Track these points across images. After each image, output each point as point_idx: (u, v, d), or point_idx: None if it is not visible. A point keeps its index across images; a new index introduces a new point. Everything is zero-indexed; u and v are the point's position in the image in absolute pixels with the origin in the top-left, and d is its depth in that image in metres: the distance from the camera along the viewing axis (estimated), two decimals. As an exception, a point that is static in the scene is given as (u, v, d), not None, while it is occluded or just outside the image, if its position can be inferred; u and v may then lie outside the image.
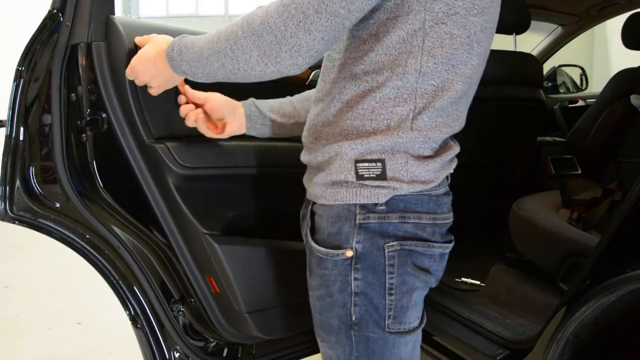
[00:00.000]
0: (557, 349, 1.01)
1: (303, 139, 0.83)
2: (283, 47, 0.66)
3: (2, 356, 2.09)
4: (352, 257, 0.75)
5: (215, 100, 0.96)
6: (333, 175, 0.74)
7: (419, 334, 0.83)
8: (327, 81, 0.78)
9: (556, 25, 2.49)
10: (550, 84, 2.98)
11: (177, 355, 1.18)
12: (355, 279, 0.75)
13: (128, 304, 1.14)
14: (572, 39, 2.53)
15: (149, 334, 1.15)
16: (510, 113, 1.86)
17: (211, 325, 1.22)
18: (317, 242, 0.78)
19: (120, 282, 1.13)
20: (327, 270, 0.77)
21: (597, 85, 3.49)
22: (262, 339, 1.24)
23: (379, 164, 0.71)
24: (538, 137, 2.10)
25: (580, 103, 2.88)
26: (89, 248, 1.11)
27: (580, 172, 2.09)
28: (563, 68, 3.05)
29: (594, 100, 2.19)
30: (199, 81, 0.79)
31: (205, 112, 0.97)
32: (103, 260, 1.12)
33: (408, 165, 0.72)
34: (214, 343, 1.24)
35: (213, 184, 1.12)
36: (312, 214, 0.80)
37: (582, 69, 3.13)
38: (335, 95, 0.75)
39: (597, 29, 5.35)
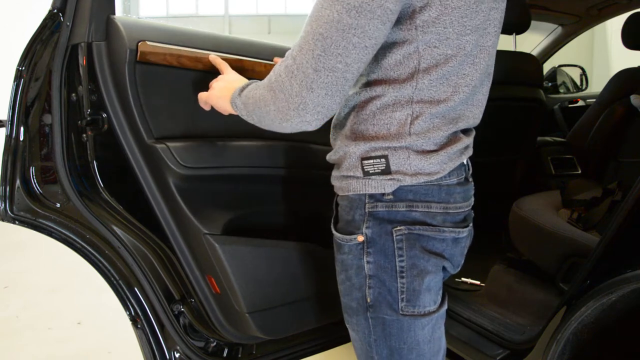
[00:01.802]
0: (557, 349, 1.02)
1: (330, 140, 0.89)
2: (291, 105, 0.70)
3: (2, 356, 2.09)
4: (363, 242, 0.80)
5: None
6: (344, 171, 0.80)
7: (437, 318, 0.85)
8: None
9: (556, 25, 2.49)
10: (550, 84, 2.98)
11: (177, 355, 1.18)
12: (368, 262, 0.80)
13: (128, 304, 1.14)
14: (572, 39, 2.53)
15: (149, 334, 1.15)
16: (510, 113, 1.86)
17: (211, 326, 1.22)
18: (337, 230, 0.84)
19: (120, 282, 1.13)
20: (345, 255, 0.83)
21: (597, 85, 3.49)
22: (263, 339, 1.24)
23: (383, 160, 0.76)
24: (538, 137, 2.10)
25: (580, 103, 2.88)
26: (89, 248, 1.11)
27: (580, 172, 2.10)
28: (563, 68, 3.05)
29: (594, 100, 2.19)
30: (247, 120, 0.83)
31: None
32: (103, 261, 1.12)
33: (410, 160, 0.76)
34: (215, 343, 1.24)
35: (214, 184, 1.12)
36: (336, 205, 0.87)
37: (582, 69, 3.13)
38: (345, 102, 0.81)
39: (597, 29, 5.35)
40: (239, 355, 1.28)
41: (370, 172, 0.77)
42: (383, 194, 0.77)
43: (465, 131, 0.83)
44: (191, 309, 1.20)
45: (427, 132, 0.75)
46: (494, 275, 1.62)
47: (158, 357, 1.17)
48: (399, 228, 0.78)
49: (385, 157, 0.76)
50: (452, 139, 0.79)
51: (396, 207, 0.77)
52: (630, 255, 0.94)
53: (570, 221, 1.54)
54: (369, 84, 0.76)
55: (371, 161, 0.76)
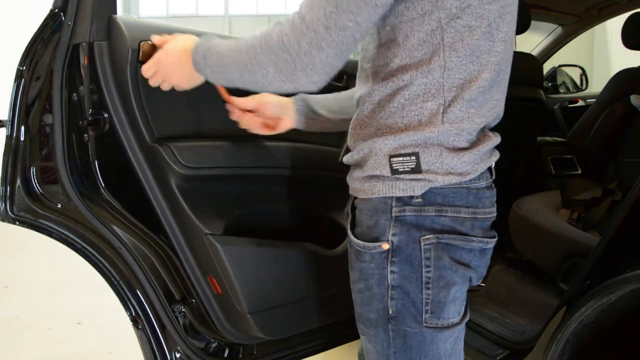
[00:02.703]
0: (557, 349, 1.02)
1: (347, 143, 0.85)
2: (298, 65, 0.68)
3: (2, 356, 2.09)
4: (388, 250, 0.75)
5: (267, 103, 1.00)
6: (369, 170, 0.75)
7: (460, 331, 0.82)
8: (361, 87, 0.81)
9: (556, 25, 2.49)
10: (550, 84, 2.98)
11: (178, 355, 1.18)
12: (392, 272, 0.76)
13: (129, 304, 1.14)
14: (572, 39, 2.53)
15: (150, 335, 1.15)
16: (510, 113, 1.85)
17: (212, 326, 1.22)
18: (356, 236, 0.79)
19: (121, 282, 1.13)
20: (365, 263, 0.78)
21: (597, 85, 3.49)
22: (264, 339, 1.24)
23: (413, 158, 0.72)
24: (538, 137, 2.10)
25: (580, 103, 2.89)
26: (89, 249, 1.11)
27: (580, 172, 2.10)
28: (563, 68, 3.05)
29: (594, 100, 2.19)
30: (222, 86, 0.82)
31: (260, 113, 1.02)
32: (104, 261, 1.12)
33: (442, 157, 0.72)
34: (215, 343, 1.24)
35: (215, 184, 1.12)
36: (354, 208, 0.81)
37: (582, 69, 3.13)
38: (367, 98, 0.77)
39: (597, 29, 5.35)
40: (240, 356, 1.28)
41: (400, 170, 0.72)
42: (412, 197, 0.73)
43: (493, 130, 0.81)
44: (192, 310, 1.20)
45: (460, 122, 0.72)
46: (494, 275, 1.62)
47: (159, 358, 1.17)
48: (427, 237, 0.74)
49: (416, 154, 0.72)
50: (482, 137, 0.76)
51: (425, 211, 0.73)
52: (630, 255, 0.94)
53: (570, 221, 1.54)
54: (394, 73, 0.73)
55: (400, 159, 0.72)
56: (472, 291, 1.60)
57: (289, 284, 1.18)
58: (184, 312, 1.18)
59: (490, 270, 1.64)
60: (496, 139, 0.79)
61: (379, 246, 0.75)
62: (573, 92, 3.07)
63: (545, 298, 1.41)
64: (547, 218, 1.48)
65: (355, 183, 0.79)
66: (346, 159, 0.83)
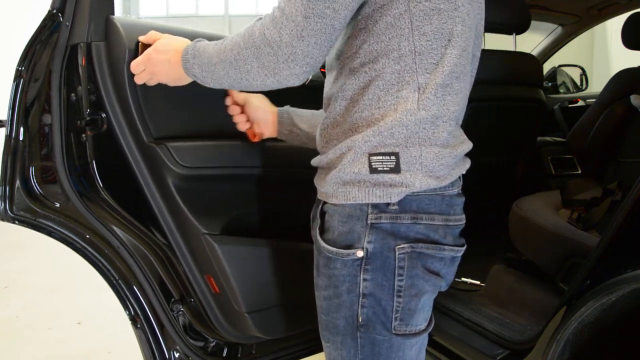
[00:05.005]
0: (557, 349, 1.01)
1: (317, 146, 0.84)
2: (280, 57, 0.69)
3: (2, 356, 2.09)
4: (362, 258, 0.74)
5: (253, 103, 1.02)
6: (346, 169, 0.73)
7: (425, 338, 0.83)
8: (329, 88, 0.80)
9: (556, 25, 2.49)
10: (550, 84, 2.97)
11: (177, 355, 1.18)
12: (365, 279, 0.75)
13: (128, 303, 1.14)
14: (572, 39, 2.53)
15: (148, 334, 1.15)
16: (510, 113, 1.86)
17: (211, 325, 1.22)
18: (326, 242, 0.77)
19: (120, 282, 1.13)
20: (336, 270, 0.76)
21: (597, 85, 3.49)
22: (262, 338, 1.24)
23: (393, 157, 0.71)
24: (538, 137, 2.10)
25: (580, 103, 2.88)
26: (89, 248, 1.11)
27: (580, 172, 2.09)
28: (563, 68, 3.05)
29: (594, 100, 2.19)
30: (209, 86, 0.82)
31: (244, 112, 1.04)
32: (103, 260, 1.12)
33: (422, 159, 0.71)
34: (214, 343, 1.24)
35: (213, 183, 1.12)
36: (323, 213, 0.79)
37: (582, 69, 3.13)
38: (338, 95, 0.76)
39: (597, 29, 5.35)
40: (239, 355, 1.28)
41: (379, 169, 0.71)
42: (388, 204, 0.72)
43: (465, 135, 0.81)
44: (190, 309, 1.20)
45: (436, 110, 0.71)
46: (494, 275, 1.62)
47: (158, 357, 1.17)
48: (402, 245, 0.73)
49: (396, 154, 0.70)
50: (458, 138, 0.77)
51: (401, 219, 0.72)
52: (630, 255, 0.94)
53: (570, 221, 1.54)
54: (364, 64, 0.72)
55: (380, 157, 0.71)
56: (472, 291, 1.60)
57: (287, 284, 1.18)
58: (182, 311, 1.18)
59: (490, 270, 1.64)
60: (469, 144, 0.80)
61: (353, 253, 0.74)
62: (573, 92, 3.07)
63: (545, 298, 1.41)
64: (547, 218, 1.47)
65: (328, 187, 0.76)
66: (317, 160, 0.81)
